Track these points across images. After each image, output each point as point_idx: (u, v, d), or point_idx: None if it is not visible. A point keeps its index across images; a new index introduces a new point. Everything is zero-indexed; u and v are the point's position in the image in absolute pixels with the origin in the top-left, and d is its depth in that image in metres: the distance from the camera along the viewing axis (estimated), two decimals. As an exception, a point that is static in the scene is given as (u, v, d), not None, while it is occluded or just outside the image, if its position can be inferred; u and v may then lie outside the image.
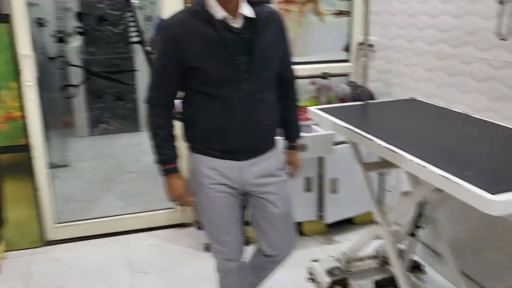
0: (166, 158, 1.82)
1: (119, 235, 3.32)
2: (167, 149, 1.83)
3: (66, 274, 2.87)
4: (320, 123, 2.84)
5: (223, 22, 1.69)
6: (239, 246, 1.96)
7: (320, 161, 3.04)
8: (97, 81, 4.34)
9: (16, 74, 2.84)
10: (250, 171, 1.84)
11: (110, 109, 5.44)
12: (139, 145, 5.28)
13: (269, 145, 1.90)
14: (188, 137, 1.87)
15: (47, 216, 3.16)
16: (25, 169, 2.98)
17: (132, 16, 3.03)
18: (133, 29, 3.11)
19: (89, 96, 5.04)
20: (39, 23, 3.51)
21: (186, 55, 1.70)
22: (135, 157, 4.90)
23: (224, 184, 1.83)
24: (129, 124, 5.52)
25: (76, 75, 4.82)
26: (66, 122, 5.32)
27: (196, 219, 3.36)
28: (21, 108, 2.88)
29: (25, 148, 2.94)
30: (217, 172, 1.82)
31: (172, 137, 1.84)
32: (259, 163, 1.86)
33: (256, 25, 1.72)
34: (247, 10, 1.72)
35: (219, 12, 1.67)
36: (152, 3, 6.11)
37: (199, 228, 3.33)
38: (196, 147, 1.86)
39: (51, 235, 3.21)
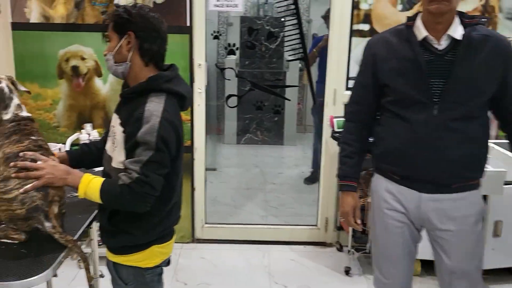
0: (344, 174, 1.83)
1: (259, 243, 3.39)
2: (347, 166, 1.82)
3: (210, 273, 3.02)
4: (491, 158, 2.60)
5: (424, 42, 1.62)
6: (404, 282, 1.81)
7: (484, 199, 2.78)
8: (252, 93, 4.53)
9: (190, 81, 3.08)
10: (430, 206, 1.70)
11: (258, 121, 5.67)
12: (282, 158, 5.40)
13: (463, 184, 1.69)
14: (373, 156, 1.85)
15: (198, 216, 3.37)
16: (187, 170, 3.21)
17: (299, 33, 3.09)
18: (297, 46, 3.16)
19: (241, 107, 5.30)
20: (214, 35, 3.77)
21: (380, 73, 1.69)
22: (277, 169, 5.01)
23: (400, 212, 1.74)
24: (274, 136, 5.69)
25: (231, 86, 5.12)
26: (217, 129, 5.68)
27: (337, 240, 3.30)
28: (191, 112, 3.12)
29: (189, 150, 3.18)
30: (393, 197, 1.74)
31: (356, 155, 1.82)
32: (443, 201, 1.69)
33: (462, 48, 1.60)
34: (457, 31, 1.61)
35: (421, 32, 1.62)
36: (307, 21, 6.27)
37: (340, 249, 3.26)
38: (378, 167, 1.82)
39: (199, 233, 3.41)
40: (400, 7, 3.00)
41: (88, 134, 2.98)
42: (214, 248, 3.33)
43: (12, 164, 1.47)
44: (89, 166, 1.87)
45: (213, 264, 3.12)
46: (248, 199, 4.19)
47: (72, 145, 3.01)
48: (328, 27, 4.01)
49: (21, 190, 1.46)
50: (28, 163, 1.48)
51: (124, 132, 1.52)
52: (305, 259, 3.19)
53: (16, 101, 1.59)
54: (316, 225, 3.41)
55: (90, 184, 1.49)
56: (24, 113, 1.61)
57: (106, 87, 3.15)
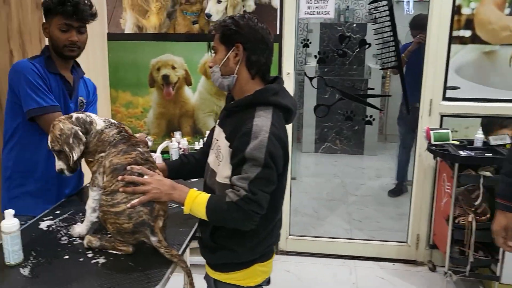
0: (501, 192, 1.74)
1: (345, 258, 3.27)
2: (505, 184, 1.73)
3: (295, 286, 2.94)
4: None
5: None
6: None
7: None
8: (331, 101, 4.41)
9: (278, 90, 3.03)
10: None
11: (337, 129, 5.53)
12: (362, 168, 5.22)
13: None
14: None
15: (282, 227, 3.28)
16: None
17: (393, 40, 2.95)
18: (390, 53, 3.02)
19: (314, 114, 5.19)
20: (304, 43, 3.71)
21: None
22: (359, 180, 4.85)
23: None
24: (354, 145, 5.52)
25: (311, 93, 5.03)
26: (296, 138, 5.61)
27: (430, 259, 3.11)
28: (278, 122, 3.07)
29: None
30: None
31: None
32: None
33: None
34: None
35: None
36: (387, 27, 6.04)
37: (433, 269, 3.06)
38: None
39: (283, 245, 3.34)
40: (507, 10, 2.77)
41: (178, 142, 3.00)
42: (298, 260, 3.24)
43: (120, 177, 1.48)
44: (186, 177, 1.87)
45: (298, 278, 3.04)
46: (330, 210, 4.07)
47: (162, 152, 3.05)
48: (413, 35, 3.84)
49: (128, 205, 1.45)
50: (135, 178, 1.48)
51: (230, 146, 1.48)
52: (395, 278, 3.02)
53: (92, 114, 1.60)
54: (406, 242, 3.23)
55: (196, 200, 1.47)
56: (111, 119, 1.63)
57: (195, 96, 3.18)
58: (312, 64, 5.30)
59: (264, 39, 1.52)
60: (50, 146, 1.51)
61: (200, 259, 1.66)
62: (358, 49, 5.15)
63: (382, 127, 5.97)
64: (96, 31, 3.02)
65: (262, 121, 1.44)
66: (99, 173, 1.54)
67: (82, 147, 1.52)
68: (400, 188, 4.32)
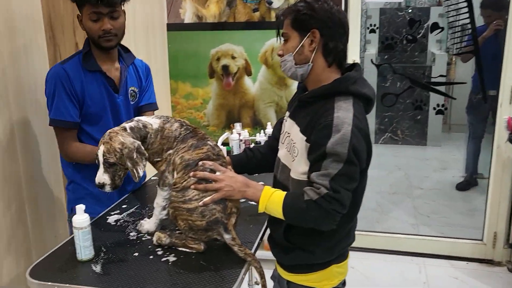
0: None
1: (412, 255, 3.10)
2: None
3: (363, 285, 2.81)
4: None
5: None
6: None
7: None
8: (394, 89, 4.19)
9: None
10: None
11: (398, 119, 5.28)
12: (427, 160, 4.97)
13: None
14: None
15: (346, 221, 3.17)
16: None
17: (470, 23, 2.73)
18: (463, 38, 2.80)
19: (379, 104, 4.99)
20: (370, 29, 3.54)
21: None
22: (423, 172, 4.61)
23: None
24: (416, 136, 5.26)
25: (370, 81, 4.81)
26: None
27: (509, 259, 2.88)
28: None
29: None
30: None
31: None
32: None
33: None
34: None
35: None
36: (456, 10, 5.69)
37: (512, 270, 2.85)
38: None
39: (347, 240, 3.21)
40: None
41: (239, 133, 2.93)
42: (363, 257, 3.11)
43: (192, 174, 1.41)
44: (252, 172, 1.78)
45: (365, 276, 2.90)
46: (394, 204, 3.89)
47: (222, 144, 2.99)
48: (484, 15, 3.54)
49: (200, 203, 1.39)
50: (207, 174, 1.41)
51: (307, 141, 1.37)
52: (470, 278, 2.83)
53: (141, 117, 1.51)
54: (481, 240, 3.01)
55: (272, 198, 1.38)
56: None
57: (256, 86, 3.10)
58: (371, 51, 5.08)
59: (342, 22, 1.40)
60: (102, 157, 1.39)
61: (261, 254, 1.57)
62: (422, 33, 4.90)
63: (446, 116, 5.66)
64: (156, 22, 2.99)
65: (344, 113, 1.32)
66: (168, 172, 1.46)
67: (145, 162, 1.43)
68: (470, 182, 4.06)
